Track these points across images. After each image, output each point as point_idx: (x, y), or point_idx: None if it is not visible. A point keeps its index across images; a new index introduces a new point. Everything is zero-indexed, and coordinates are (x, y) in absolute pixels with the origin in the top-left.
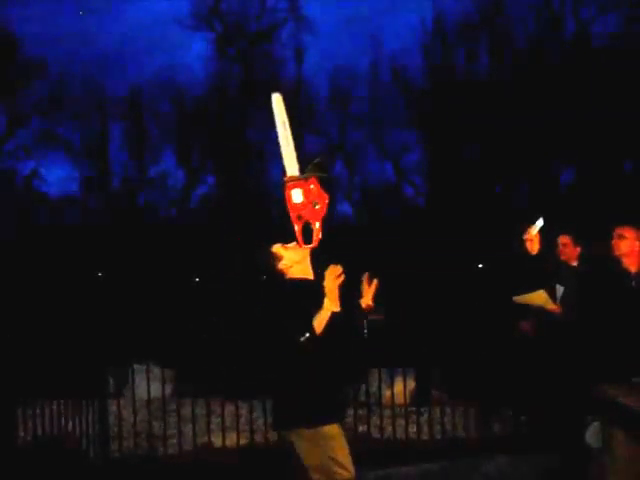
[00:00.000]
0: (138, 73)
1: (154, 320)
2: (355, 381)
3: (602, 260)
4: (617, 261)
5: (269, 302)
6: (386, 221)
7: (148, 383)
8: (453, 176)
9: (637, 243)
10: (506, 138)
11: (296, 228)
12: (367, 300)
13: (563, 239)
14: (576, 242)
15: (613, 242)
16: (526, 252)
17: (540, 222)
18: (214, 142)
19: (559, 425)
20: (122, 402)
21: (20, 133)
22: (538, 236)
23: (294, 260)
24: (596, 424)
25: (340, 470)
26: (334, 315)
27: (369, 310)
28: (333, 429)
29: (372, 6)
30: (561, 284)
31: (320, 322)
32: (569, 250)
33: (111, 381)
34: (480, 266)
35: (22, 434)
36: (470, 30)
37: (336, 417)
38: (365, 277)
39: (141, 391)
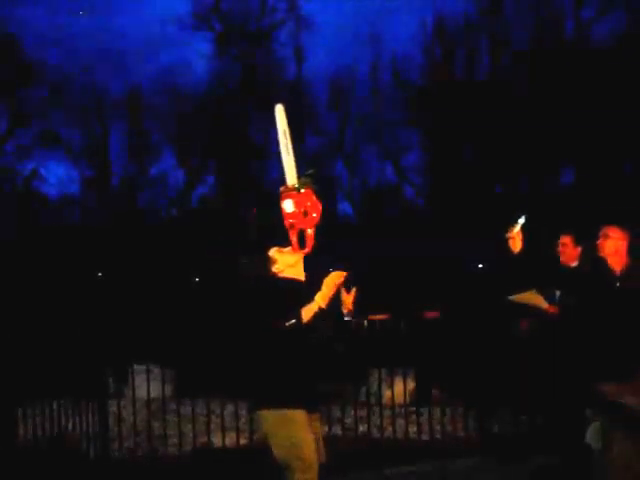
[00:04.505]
0: (138, 73)
1: (154, 320)
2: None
3: (600, 261)
4: (603, 261)
5: (258, 296)
6: (386, 221)
7: (148, 383)
8: (453, 176)
9: (622, 243)
10: (506, 138)
11: (290, 235)
12: (348, 305)
13: (563, 239)
14: (576, 242)
15: (599, 242)
16: (509, 251)
17: (522, 220)
18: (214, 142)
19: (559, 425)
20: (122, 402)
21: (20, 133)
22: (520, 234)
23: (287, 264)
24: (596, 424)
25: (300, 468)
26: (320, 311)
27: (350, 313)
28: (298, 415)
29: (372, 6)
30: (558, 285)
31: (308, 312)
32: (569, 250)
33: (111, 381)
34: (480, 266)
35: (22, 434)
36: (470, 30)
37: (302, 404)
38: (341, 287)
39: (141, 391)
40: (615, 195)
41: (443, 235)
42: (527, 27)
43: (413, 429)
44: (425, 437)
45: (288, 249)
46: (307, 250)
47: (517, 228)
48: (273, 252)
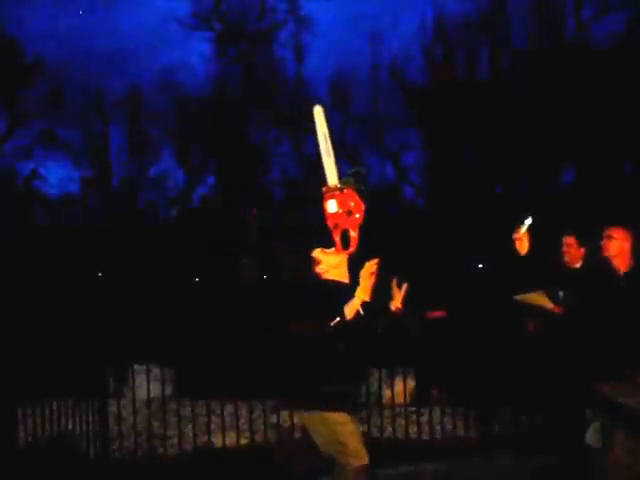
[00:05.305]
0: (138, 73)
1: (154, 320)
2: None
3: (605, 261)
4: (607, 262)
5: (299, 298)
6: (386, 221)
7: (148, 383)
8: (453, 176)
9: (626, 244)
10: (506, 138)
11: (334, 235)
12: (397, 303)
13: (567, 240)
14: (580, 243)
15: (603, 243)
16: (515, 252)
17: (529, 221)
18: (214, 142)
19: (559, 425)
20: (122, 402)
21: (20, 133)
22: (527, 235)
23: (331, 264)
24: (596, 424)
25: (351, 458)
26: (363, 304)
27: (398, 312)
28: (342, 416)
29: (372, 6)
30: (562, 286)
31: (351, 308)
32: (573, 251)
33: (111, 381)
34: (480, 266)
35: (22, 434)
36: (470, 30)
37: (345, 406)
38: (394, 281)
39: (141, 391)
40: (615, 195)
41: (443, 235)
42: (527, 27)
43: (413, 429)
44: (425, 437)
45: (332, 250)
46: (351, 250)
47: (524, 229)
48: (316, 253)
